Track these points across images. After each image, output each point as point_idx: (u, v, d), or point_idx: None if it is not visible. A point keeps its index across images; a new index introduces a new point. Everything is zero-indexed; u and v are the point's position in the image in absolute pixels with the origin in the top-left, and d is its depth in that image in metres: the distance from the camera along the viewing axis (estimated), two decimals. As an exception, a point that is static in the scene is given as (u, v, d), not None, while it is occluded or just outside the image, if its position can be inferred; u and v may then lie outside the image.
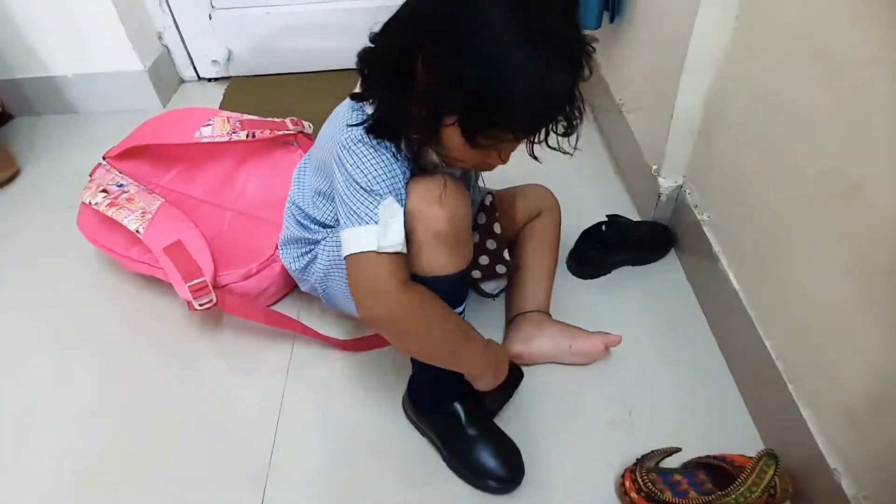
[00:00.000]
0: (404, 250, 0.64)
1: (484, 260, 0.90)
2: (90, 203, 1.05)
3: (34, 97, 1.54)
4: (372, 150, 0.64)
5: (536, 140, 0.64)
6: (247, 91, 1.62)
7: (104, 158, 1.13)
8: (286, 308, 1.01)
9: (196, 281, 0.94)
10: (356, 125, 0.65)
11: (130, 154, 1.11)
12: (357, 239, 0.63)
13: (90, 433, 0.88)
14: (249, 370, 0.95)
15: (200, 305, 0.93)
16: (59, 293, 1.09)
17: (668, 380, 0.89)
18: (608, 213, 1.05)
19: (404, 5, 0.61)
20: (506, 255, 0.91)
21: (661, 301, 1.00)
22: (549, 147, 0.65)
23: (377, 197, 0.63)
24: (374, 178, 0.63)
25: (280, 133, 1.11)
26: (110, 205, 1.03)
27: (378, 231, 0.62)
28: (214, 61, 1.61)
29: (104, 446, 0.86)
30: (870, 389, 0.62)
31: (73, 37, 1.44)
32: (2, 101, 1.50)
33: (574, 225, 1.06)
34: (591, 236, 1.04)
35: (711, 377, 0.89)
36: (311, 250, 0.84)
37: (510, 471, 0.77)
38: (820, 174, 0.68)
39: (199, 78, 1.69)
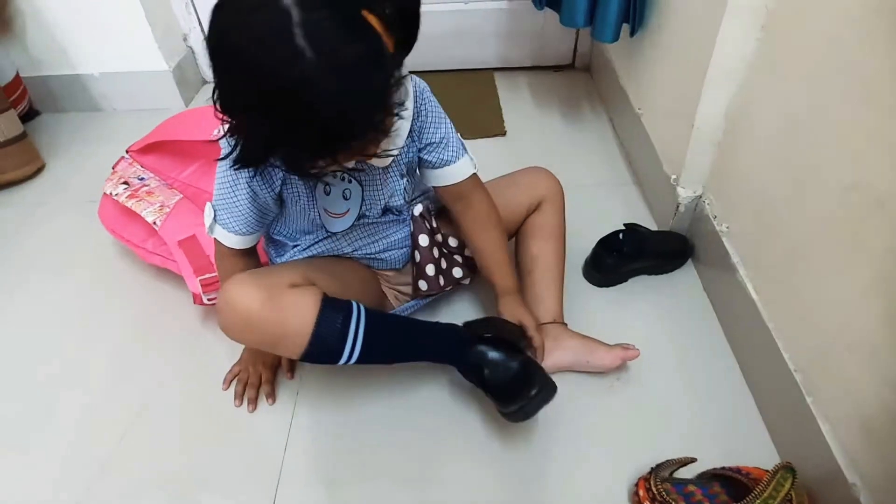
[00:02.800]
0: (213, 234, 0.77)
1: (430, 270, 0.88)
2: (111, 194, 1.07)
3: (61, 94, 1.57)
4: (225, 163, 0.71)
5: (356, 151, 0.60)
6: (268, 93, 1.64)
7: (127, 152, 1.15)
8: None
9: (207, 275, 0.95)
10: (222, 159, 0.67)
11: (152, 149, 1.13)
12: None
13: (103, 424, 0.88)
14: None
15: (209, 300, 0.94)
16: (77, 283, 1.11)
17: (684, 390, 0.87)
18: (625, 222, 1.05)
19: None
20: (457, 258, 0.89)
21: (677, 310, 0.99)
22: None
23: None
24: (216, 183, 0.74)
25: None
26: (130, 196, 1.04)
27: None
28: (237, 63, 1.63)
29: (117, 438, 0.86)
30: (888, 404, 0.61)
31: (101, 36, 1.48)
32: (30, 98, 1.54)
33: (591, 233, 1.05)
34: (608, 244, 1.03)
35: (728, 388, 0.87)
36: None
37: (540, 387, 0.76)
38: (843, 188, 0.67)
39: (222, 80, 1.71)
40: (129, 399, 0.91)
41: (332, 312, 0.71)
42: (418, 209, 0.87)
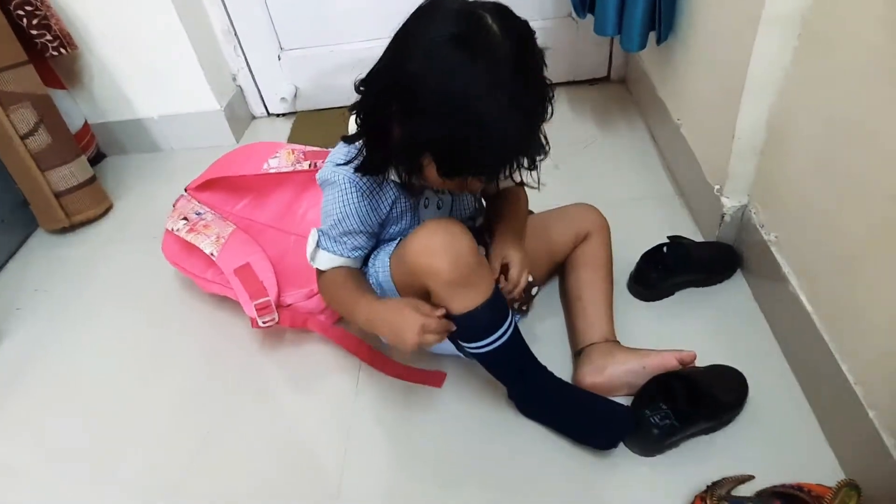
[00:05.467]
0: (315, 265, 0.84)
1: None
2: (172, 229, 1.14)
3: (124, 138, 1.69)
4: (333, 194, 0.79)
5: (505, 175, 0.71)
6: (312, 124, 1.71)
7: (185, 190, 1.23)
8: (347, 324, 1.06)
9: (261, 300, 1.00)
10: (343, 164, 0.76)
11: (208, 186, 1.20)
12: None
13: (173, 447, 0.94)
14: (318, 389, 0.99)
15: (264, 323, 0.99)
16: (144, 312, 1.18)
17: (738, 405, 0.86)
18: (669, 235, 1.04)
19: (380, 60, 0.68)
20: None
21: (728, 323, 0.97)
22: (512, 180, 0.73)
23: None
24: (324, 214, 0.81)
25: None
26: (189, 230, 1.11)
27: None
28: (283, 98, 1.71)
29: (187, 460, 0.91)
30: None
31: (158, 82, 1.58)
32: (97, 143, 1.66)
33: (635, 248, 1.04)
34: (651, 259, 1.02)
35: (785, 402, 0.85)
36: None
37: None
38: (888, 196, 0.65)
39: (269, 114, 1.80)
40: (196, 420, 0.97)
41: (501, 299, 0.79)
42: (480, 221, 0.93)
